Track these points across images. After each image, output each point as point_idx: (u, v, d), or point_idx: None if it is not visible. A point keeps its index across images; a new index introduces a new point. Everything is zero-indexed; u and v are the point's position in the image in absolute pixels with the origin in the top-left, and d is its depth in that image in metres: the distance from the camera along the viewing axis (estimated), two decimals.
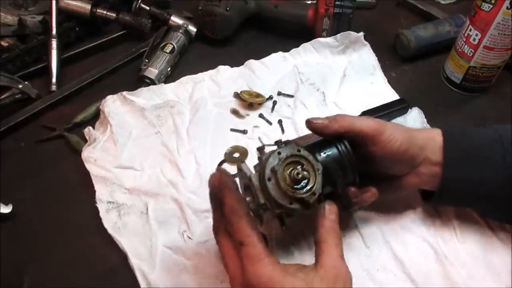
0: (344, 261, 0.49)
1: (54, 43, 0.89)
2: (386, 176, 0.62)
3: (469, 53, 0.84)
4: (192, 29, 0.99)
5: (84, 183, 0.71)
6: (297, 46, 0.94)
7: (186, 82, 0.87)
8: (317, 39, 0.94)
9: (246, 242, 0.47)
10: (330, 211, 0.51)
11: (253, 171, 0.53)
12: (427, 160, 0.60)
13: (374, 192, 0.60)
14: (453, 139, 0.60)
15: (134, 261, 0.62)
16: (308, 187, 0.51)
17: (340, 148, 0.56)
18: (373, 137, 0.57)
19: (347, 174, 0.56)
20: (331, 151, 0.56)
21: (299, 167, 0.51)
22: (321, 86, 0.87)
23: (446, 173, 0.59)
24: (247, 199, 0.52)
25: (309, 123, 0.58)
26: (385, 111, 0.81)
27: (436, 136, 0.60)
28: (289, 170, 0.51)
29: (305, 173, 0.51)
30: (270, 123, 0.82)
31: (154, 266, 0.62)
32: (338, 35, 0.93)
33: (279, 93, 0.86)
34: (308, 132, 0.59)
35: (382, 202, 0.64)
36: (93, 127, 0.79)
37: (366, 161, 0.59)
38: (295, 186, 0.50)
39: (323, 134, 0.58)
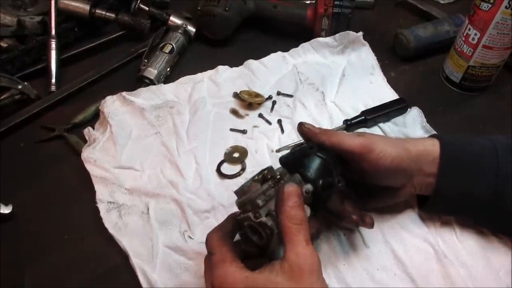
0: (310, 245, 0.48)
1: (53, 44, 0.90)
2: (381, 187, 0.62)
3: (468, 53, 0.84)
4: (191, 29, 0.99)
5: (84, 184, 0.71)
6: (296, 46, 0.94)
7: (185, 82, 0.87)
8: (316, 39, 0.94)
9: (214, 251, 0.50)
10: (288, 194, 0.49)
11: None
12: (421, 171, 0.60)
13: (370, 222, 0.60)
14: (450, 152, 0.60)
15: (135, 261, 0.62)
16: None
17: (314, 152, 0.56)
18: (362, 155, 0.57)
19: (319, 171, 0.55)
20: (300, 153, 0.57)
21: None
22: (320, 86, 0.87)
23: (439, 185, 0.60)
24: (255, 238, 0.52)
25: (300, 126, 0.59)
26: (385, 111, 0.81)
27: (431, 147, 0.60)
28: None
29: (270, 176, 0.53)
30: (270, 123, 0.82)
31: (155, 266, 0.62)
32: (337, 35, 0.93)
33: (279, 93, 0.86)
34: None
35: None
36: (93, 128, 0.79)
37: (359, 175, 0.59)
38: None
39: (308, 140, 0.59)
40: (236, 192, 0.54)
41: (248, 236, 0.52)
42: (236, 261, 0.49)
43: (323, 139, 0.57)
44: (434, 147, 0.60)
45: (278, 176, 0.52)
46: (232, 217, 0.55)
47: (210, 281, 0.49)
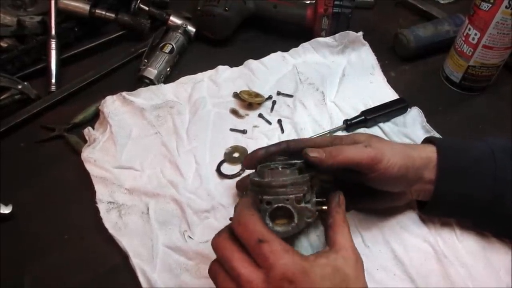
0: None
1: (53, 44, 0.90)
2: (380, 191, 0.61)
3: (468, 53, 0.84)
4: (191, 29, 0.99)
5: (84, 183, 0.71)
6: (296, 46, 0.94)
7: (185, 82, 0.87)
8: (316, 39, 0.94)
9: (266, 239, 0.45)
10: (342, 200, 0.54)
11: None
12: (421, 179, 0.60)
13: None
14: (447, 157, 0.60)
15: (135, 261, 0.62)
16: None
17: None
18: (371, 166, 0.56)
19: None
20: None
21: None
22: (320, 85, 0.87)
23: (437, 191, 0.60)
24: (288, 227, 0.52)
25: (305, 156, 0.57)
26: (385, 111, 0.81)
27: (431, 154, 0.60)
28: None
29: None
30: (270, 123, 0.82)
31: (155, 266, 0.62)
32: (337, 34, 0.93)
33: (279, 93, 0.86)
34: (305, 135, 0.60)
35: None
36: (93, 128, 0.79)
37: (363, 179, 0.59)
38: None
39: (320, 167, 0.56)
40: (259, 171, 0.54)
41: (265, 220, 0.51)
42: (293, 249, 0.46)
43: (331, 163, 0.55)
44: (433, 153, 0.60)
45: (313, 173, 0.55)
46: (251, 200, 0.51)
47: (261, 274, 0.45)
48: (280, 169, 0.55)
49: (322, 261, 0.46)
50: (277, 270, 0.44)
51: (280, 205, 0.51)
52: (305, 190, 0.52)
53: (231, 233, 0.48)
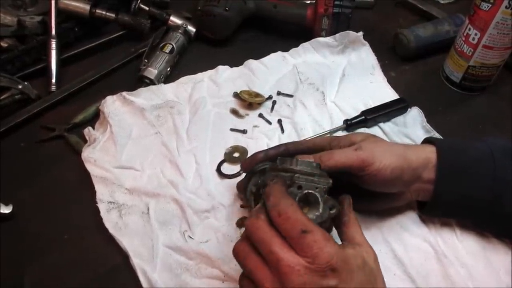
0: None
1: (53, 44, 0.89)
2: (378, 193, 0.61)
3: (469, 53, 0.84)
4: (191, 29, 0.99)
5: (84, 183, 0.71)
6: (296, 46, 0.94)
7: (186, 82, 0.87)
8: (316, 38, 0.94)
9: (310, 229, 0.45)
10: (351, 202, 0.54)
11: None
12: (420, 179, 0.60)
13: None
14: (446, 157, 0.60)
15: (135, 261, 0.62)
16: None
17: None
18: (362, 169, 0.56)
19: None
20: None
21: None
22: (320, 85, 0.87)
23: (437, 191, 0.60)
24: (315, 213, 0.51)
25: None
26: (385, 111, 0.81)
27: (430, 155, 0.60)
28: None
29: None
30: (270, 123, 0.82)
31: (156, 266, 0.62)
32: (337, 34, 0.93)
33: (279, 93, 0.86)
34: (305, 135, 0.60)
35: None
36: (93, 128, 0.79)
37: (358, 181, 0.59)
38: None
39: None
40: (282, 160, 0.54)
41: None
42: (331, 237, 0.47)
43: (321, 168, 0.55)
44: (433, 154, 0.60)
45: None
46: (285, 188, 0.50)
47: (303, 261, 0.44)
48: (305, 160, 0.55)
49: (351, 252, 0.47)
50: (322, 259, 0.44)
51: (310, 191, 0.50)
52: (330, 183, 0.52)
53: (268, 218, 0.48)
